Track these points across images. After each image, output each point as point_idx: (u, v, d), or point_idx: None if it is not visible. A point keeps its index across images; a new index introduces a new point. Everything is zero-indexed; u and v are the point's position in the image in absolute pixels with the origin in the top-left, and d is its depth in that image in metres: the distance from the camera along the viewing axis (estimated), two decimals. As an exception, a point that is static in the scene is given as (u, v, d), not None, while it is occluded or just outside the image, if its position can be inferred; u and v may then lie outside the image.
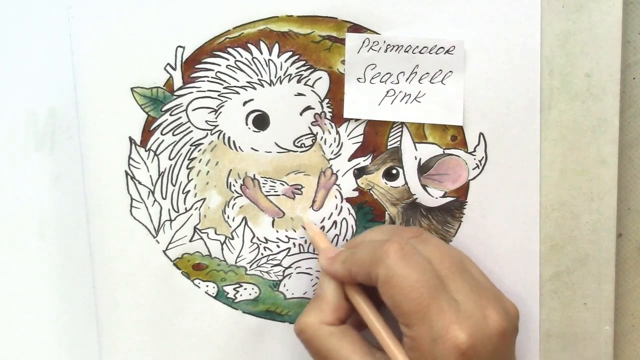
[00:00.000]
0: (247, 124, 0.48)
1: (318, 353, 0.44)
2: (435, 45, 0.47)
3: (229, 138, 0.48)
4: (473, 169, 0.49)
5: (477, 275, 0.45)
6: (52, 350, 0.52)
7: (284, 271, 0.50)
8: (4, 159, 0.50)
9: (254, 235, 0.50)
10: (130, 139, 0.48)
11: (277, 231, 0.50)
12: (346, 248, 0.47)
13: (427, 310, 0.40)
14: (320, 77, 0.48)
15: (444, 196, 0.49)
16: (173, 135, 0.48)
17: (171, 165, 0.49)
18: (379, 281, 0.41)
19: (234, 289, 0.50)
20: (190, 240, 0.50)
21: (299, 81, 0.48)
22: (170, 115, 0.48)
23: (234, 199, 0.49)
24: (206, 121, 0.48)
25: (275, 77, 0.48)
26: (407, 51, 0.47)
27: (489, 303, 0.42)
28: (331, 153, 0.49)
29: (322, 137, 0.49)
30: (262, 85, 0.48)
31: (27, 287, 0.51)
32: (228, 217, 0.49)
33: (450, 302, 0.40)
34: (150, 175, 0.49)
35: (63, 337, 0.52)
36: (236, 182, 0.49)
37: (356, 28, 0.47)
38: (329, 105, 0.48)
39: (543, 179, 0.49)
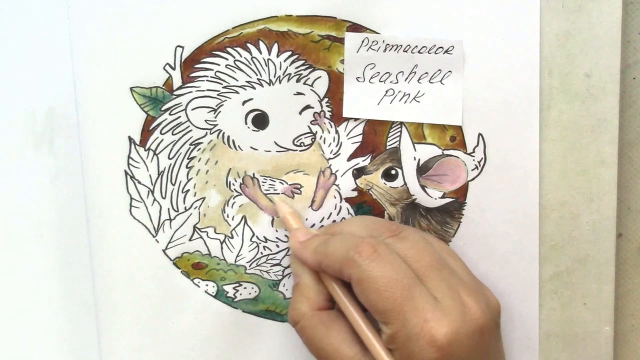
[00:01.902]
0: (246, 123, 0.48)
1: (310, 341, 0.44)
2: (434, 45, 0.47)
3: (228, 137, 0.48)
4: (472, 170, 0.49)
5: (459, 270, 0.45)
6: (52, 350, 0.52)
7: (283, 271, 0.50)
8: (3, 158, 0.50)
9: (253, 234, 0.50)
10: (130, 139, 0.48)
11: (277, 230, 0.50)
12: (321, 233, 0.47)
13: (400, 309, 0.40)
14: (320, 77, 0.48)
15: (443, 197, 0.49)
16: (172, 134, 0.48)
17: (170, 164, 0.49)
18: (353, 281, 0.42)
19: (234, 288, 0.50)
20: (190, 240, 0.50)
21: (298, 80, 0.48)
22: (170, 114, 0.48)
23: (234, 198, 0.49)
24: (205, 120, 0.48)
25: (274, 76, 0.48)
26: (406, 51, 0.47)
27: (469, 299, 0.42)
28: (330, 152, 0.49)
29: (321, 136, 0.49)
30: (262, 85, 0.48)
31: (27, 287, 0.51)
32: (227, 216, 0.49)
33: (427, 299, 0.40)
34: (150, 175, 0.49)
35: (63, 337, 0.52)
36: (235, 181, 0.49)
37: (355, 27, 0.47)
38: (328, 104, 0.48)
39: (542, 179, 0.49)
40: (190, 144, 0.49)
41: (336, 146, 0.49)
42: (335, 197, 0.49)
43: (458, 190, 0.49)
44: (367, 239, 0.43)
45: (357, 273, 0.41)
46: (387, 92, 0.48)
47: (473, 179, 0.49)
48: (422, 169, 0.49)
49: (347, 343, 0.43)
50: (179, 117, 0.48)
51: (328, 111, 0.48)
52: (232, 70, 0.48)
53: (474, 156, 0.49)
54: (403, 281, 0.41)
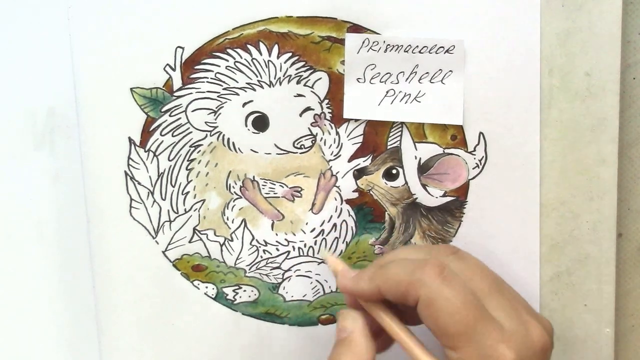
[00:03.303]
0: (246, 125, 0.48)
1: None
2: (435, 45, 0.47)
3: (228, 139, 0.48)
4: (473, 169, 0.49)
5: (513, 292, 0.44)
6: (52, 350, 0.52)
7: (283, 274, 0.50)
8: (3, 158, 0.50)
9: (253, 238, 0.50)
10: (130, 140, 0.48)
11: (277, 234, 0.50)
12: (373, 265, 0.44)
13: (473, 332, 0.39)
14: (320, 78, 0.48)
15: (444, 196, 0.49)
16: (172, 136, 0.48)
17: (170, 166, 0.49)
18: (420, 303, 0.40)
19: (234, 290, 0.50)
20: (190, 242, 0.50)
21: (298, 82, 0.48)
22: (170, 116, 0.48)
23: (234, 201, 0.49)
24: (205, 122, 0.48)
25: (274, 78, 0.48)
26: (406, 51, 0.47)
27: (529, 319, 0.41)
28: (331, 154, 0.49)
29: (321, 138, 0.49)
30: (262, 87, 0.48)
31: (27, 287, 0.52)
32: (227, 219, 0.49)
33: (494, 321, 0.40)
34: (150, 176, 0.49)
35: (63, 337, 0.52)
36: (236, 184, 0.49)
37: (356, 28, 0.47)
38: (328, 105, 0.48)
39: (543, 178, 0.49)
40: (190, 146, 0.48)
41: (337, 147, 0.49)
42: (336, 199, 0.49)
43: (459, 189, 0.49)
44: (432, 259, 0.41)
45: (426, 294, 0.40)
46: (387, 92, 0.48)
47: (474, 177, 0.49)
48: (423, 168, 0.49)
49: None
50: (179, 118, 0.48)
51: (328, 112, 0.48)
52: (233, 72, 0.48)
53: (474, 155, 0.49)
54: (472, 303, 0.40)
